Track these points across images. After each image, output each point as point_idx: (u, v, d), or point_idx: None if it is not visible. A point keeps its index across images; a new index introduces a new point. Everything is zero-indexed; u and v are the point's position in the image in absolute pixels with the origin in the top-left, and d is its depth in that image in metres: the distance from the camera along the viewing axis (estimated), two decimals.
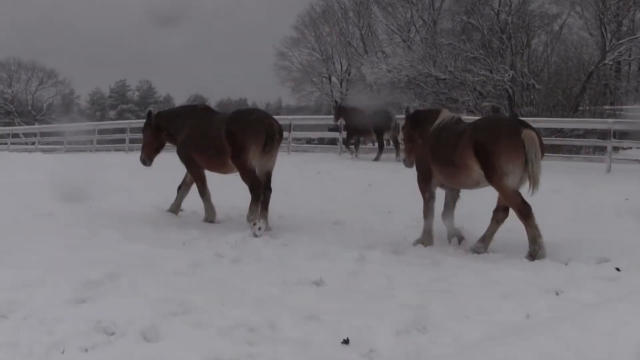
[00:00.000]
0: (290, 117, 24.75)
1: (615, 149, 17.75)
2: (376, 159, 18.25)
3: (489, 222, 6.67)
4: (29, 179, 12.18)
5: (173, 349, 3.86)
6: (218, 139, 7.87)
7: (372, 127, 18.46)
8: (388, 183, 12.33)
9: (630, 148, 18.97)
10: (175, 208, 8.82)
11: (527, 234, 6.28)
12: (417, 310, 4.50)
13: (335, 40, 50.91)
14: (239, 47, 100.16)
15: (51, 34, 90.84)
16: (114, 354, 3.81)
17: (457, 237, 7.11)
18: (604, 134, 18.55)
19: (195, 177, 8.55)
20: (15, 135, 32.94)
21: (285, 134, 23.23)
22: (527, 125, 6.42)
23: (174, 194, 8.76)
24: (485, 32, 29.26)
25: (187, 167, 8.62)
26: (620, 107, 29.42)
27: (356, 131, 19.04)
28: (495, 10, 31.18)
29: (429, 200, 7.16)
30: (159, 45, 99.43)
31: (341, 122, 19.64)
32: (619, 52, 31.83)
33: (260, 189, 7.73)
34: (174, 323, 4.23)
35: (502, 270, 5.64)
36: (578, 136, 22.44)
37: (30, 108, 65.38)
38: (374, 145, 20.62)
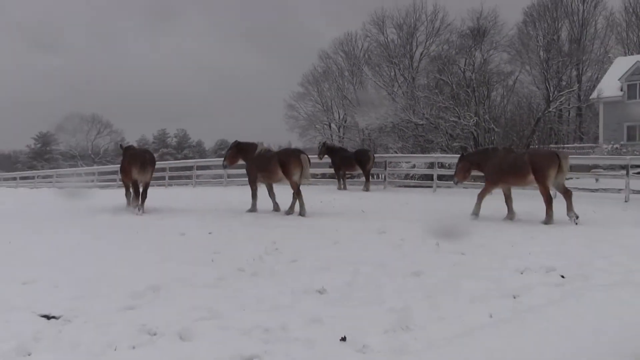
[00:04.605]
0: None
1: None
2: (366, 189, 18.15)
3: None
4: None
5: (204, 347, 3.87)
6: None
7: (356, 162, 18.48)
8: (379, 209, 12.34)
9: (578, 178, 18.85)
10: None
11: (299, 203, 11.04)
12: (402, 313, 4.46)
13: (333, 94, 51.56)
14: (256, 100, 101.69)
15: (107, 92, 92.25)
16: (155, 351, 3.82)
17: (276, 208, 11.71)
18: None
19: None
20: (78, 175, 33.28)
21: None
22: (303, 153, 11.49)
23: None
24: (454, 87, 29.59)
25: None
26: (563, 145, 29.84)
27: (342, 166, 18.79)
28: (462, 69, 31.69)
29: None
30: (192, 100, 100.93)
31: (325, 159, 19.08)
32: (560, 101, 32.37)
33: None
34: (203, 326, 4.23)
35: (470, 280, 5.61)
36: None
37: (90, 153, 66.01)
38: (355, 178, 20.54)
